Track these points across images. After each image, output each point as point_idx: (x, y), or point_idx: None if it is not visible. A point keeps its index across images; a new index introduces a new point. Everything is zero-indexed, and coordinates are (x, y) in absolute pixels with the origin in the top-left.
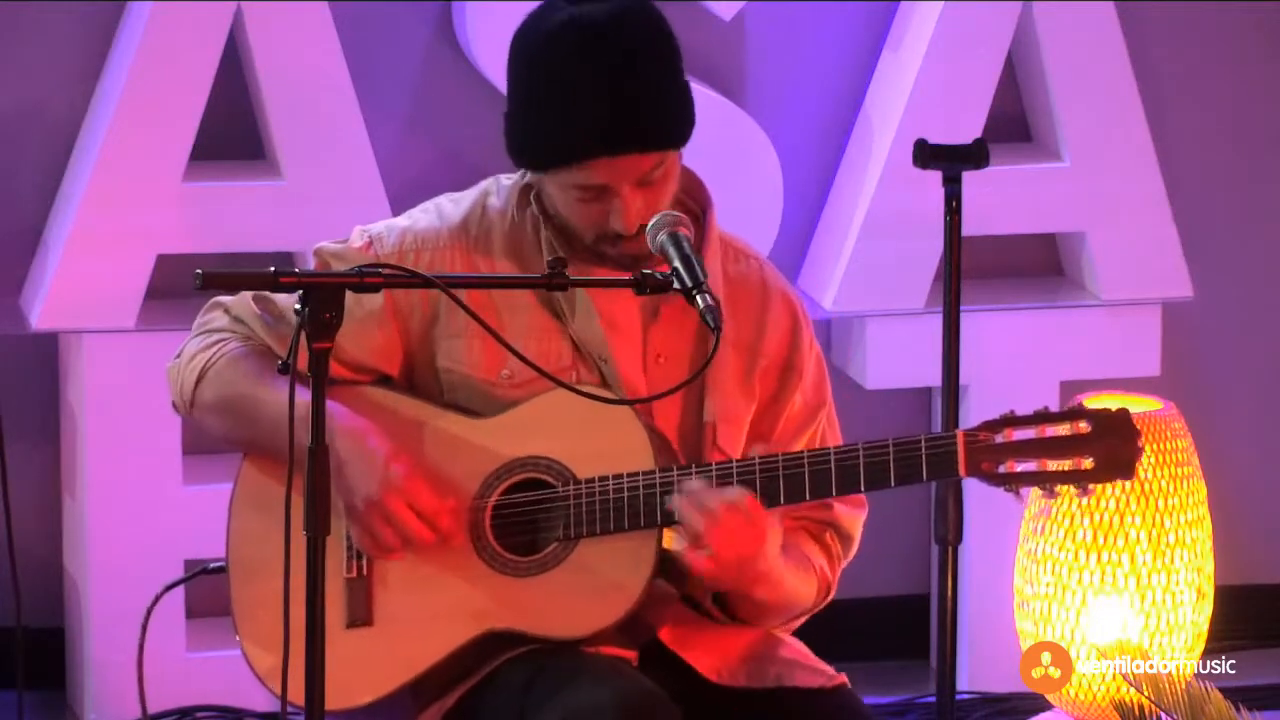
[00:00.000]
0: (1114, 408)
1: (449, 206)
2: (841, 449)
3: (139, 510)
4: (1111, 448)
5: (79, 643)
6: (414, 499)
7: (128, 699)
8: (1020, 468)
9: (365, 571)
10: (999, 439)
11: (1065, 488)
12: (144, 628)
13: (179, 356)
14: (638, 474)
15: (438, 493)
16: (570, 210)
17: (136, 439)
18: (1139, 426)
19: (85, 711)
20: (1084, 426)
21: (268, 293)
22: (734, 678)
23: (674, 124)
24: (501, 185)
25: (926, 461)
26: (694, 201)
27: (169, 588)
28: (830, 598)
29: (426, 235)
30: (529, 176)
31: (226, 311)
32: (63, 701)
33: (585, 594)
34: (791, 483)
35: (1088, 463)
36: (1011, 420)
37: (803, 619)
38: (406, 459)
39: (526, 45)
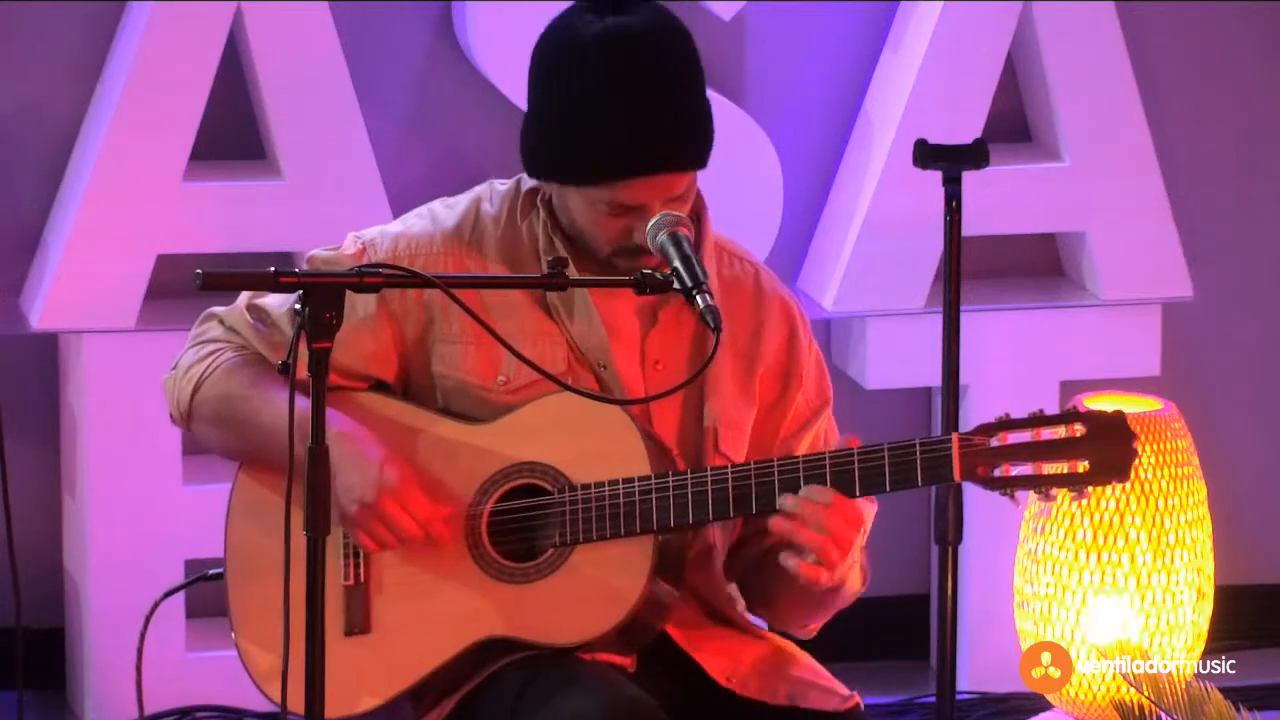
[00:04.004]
0: (1109, 410)
1: (442, 211)
2: (836, 454)
3: (139, 510)
4: (1107, 450)
5: (79, 643)
6: (409, 505)
7: (127, 699)
8: (1015, 471)
9: (363, 579)
10: (994, 443)
11: (1061, 491)
12: (143, 635)
13: (175, 369)
14: (633, 480)
15: (433, 499)
16: (592, 224)
17: (136, 439)
18: (1139, 426)
19: (85, 711)
20: (1079, 429)
21: (261, 301)
22: (744, 685)
23: (708, 143)
24: (495, 190)
25: (921, 466)
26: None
27: (168, 594)
28: (868, 584)
29: (420, 241)
30: (534, 183)
31: (221, 322)
32: (63, 701)
33: (582, 600)
34: (787, 488)
35: (1083, 466)
36: (1006, 423)
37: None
38: (402, 465)
39: (555, 56)
